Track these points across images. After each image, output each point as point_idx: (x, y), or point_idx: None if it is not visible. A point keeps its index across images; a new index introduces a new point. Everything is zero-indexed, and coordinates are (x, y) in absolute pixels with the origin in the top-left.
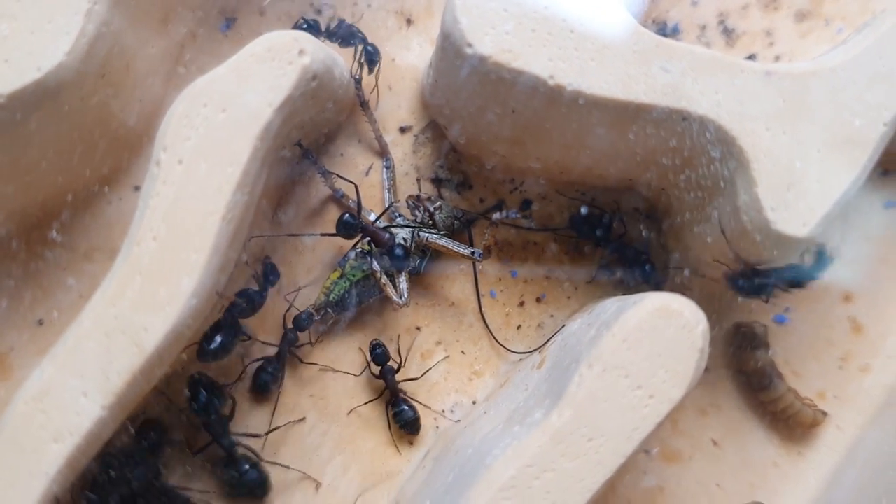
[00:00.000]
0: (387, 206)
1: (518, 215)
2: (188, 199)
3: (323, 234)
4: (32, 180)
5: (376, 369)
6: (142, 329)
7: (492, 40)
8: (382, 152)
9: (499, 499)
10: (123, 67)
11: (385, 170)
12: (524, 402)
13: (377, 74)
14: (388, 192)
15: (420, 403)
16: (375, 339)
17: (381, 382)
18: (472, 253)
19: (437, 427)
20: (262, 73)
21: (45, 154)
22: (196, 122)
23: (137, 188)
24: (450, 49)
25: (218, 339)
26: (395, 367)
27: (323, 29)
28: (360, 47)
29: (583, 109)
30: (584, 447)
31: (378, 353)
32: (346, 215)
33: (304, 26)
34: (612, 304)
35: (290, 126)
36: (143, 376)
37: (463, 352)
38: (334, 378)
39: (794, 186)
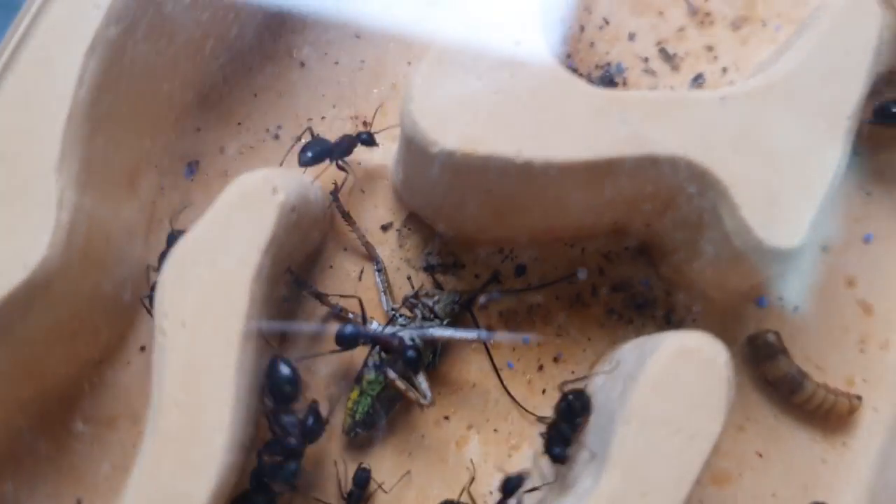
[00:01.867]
0: (386, 309)
1: (500, 295)
2: (200, 359)
3: (331, 352)
4: (45, 377)
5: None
6: (185, 497)
7: (454, 134)
8: (371, 257)
9: None
10: (103, 241)
11: (377, 273)
12: (567, 468)
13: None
14: (384, 294)
15: None
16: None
17: None
18: (479, 336)
19: None
20: (242, 220)
21: (50, 349)
22: (189, 283)
23: (143, 348)
24: (416, 152)
25: None
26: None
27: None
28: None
29: (556, 177)
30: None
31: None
32: (346, 327)
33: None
34: (630, 352)
35: (280, 262)
36: None
37: (496, 430)
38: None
39: (776, 201)
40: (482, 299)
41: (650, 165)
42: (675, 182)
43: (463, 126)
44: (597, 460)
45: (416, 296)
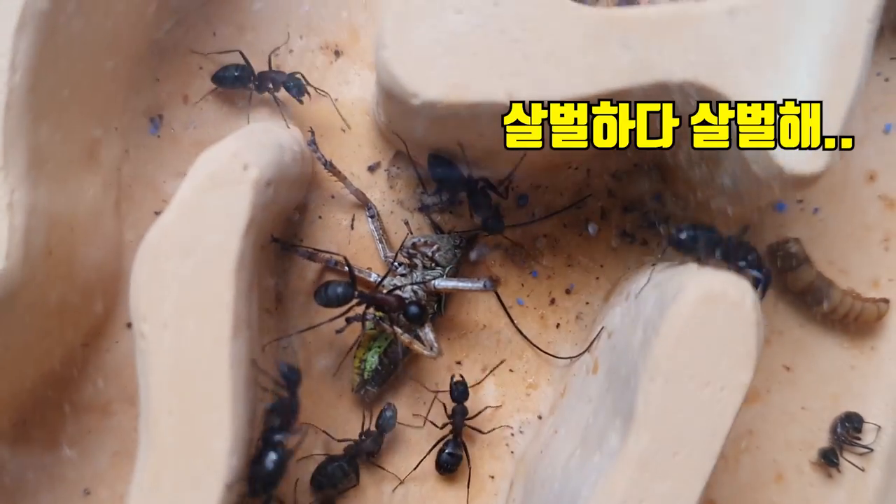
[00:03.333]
0: (383, 258)
1: (489, 250)
2: (188, 361)
3: (331, 320)
4: (28, 372)
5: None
6: None
7: (436, 81)
8: (363, 203)
9: None
10: (67, 232)
11: (370, 220)
12: (593, 417)
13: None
14: (380, 242)
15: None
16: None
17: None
18: (484, 285)
19: (513, 452)
20: (214, 204)
21: (29, 351)
22: (165, 280)
23: (129, 325)
24: (397, 103)
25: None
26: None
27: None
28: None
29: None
30: (671, 464)
31: (461, 390)
32: (333, 287)
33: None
34: (650, 293)
35: (263, 239)
36: None
37: (511, 370)
38: (395, 442)
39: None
40: (473, 255)
41: (659, 93)
42: (686, 111)
43: (445, 71)
44: (622, 417)
45: (414, 245)
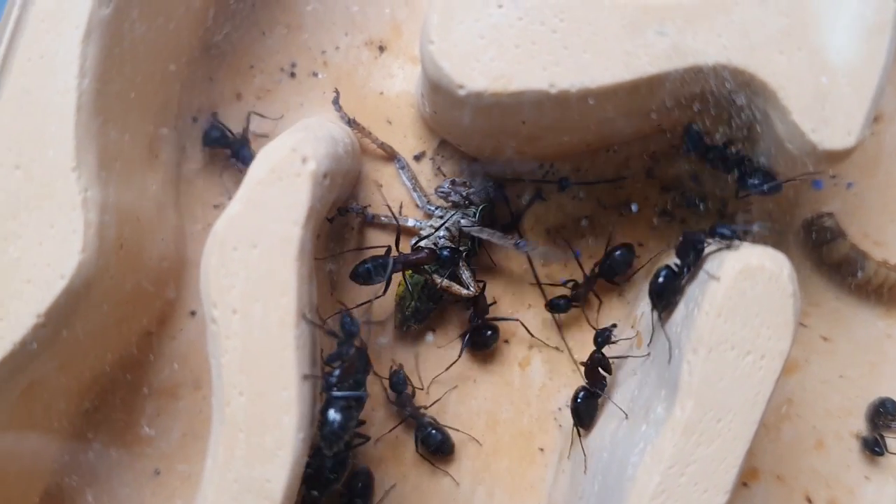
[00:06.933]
0: (421, 206)
1: (526, 244)
2: (256, 343)
3: (377, 298)
4: (98, 362)
5: (393, 396)
6: (264, 482)
7: (481, 73)
8: (391, 155)
9: None
10: (135, 224)
11: (401, 171)
12: (638, 389)
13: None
14: (415, 191)
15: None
16: (394, 367)
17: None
18: (516, 244)
19: (561, 426)
20: (276, 196)
21: (107, 337)
22: (233, 268)
23: (193, 313)
24: (443, 94)
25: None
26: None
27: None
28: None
29: (595, 105)
30: (715, 430)
31: (396, 381)
32: (376, 265)
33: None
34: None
35: (320, 226)
36: None
37: (558, 348)
38: (445, 415)
39: (828, 100)
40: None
41: (694, 77)
42: (722, 95)
43: (489, 62)
44: (667, 387)
45: (453, 182)
